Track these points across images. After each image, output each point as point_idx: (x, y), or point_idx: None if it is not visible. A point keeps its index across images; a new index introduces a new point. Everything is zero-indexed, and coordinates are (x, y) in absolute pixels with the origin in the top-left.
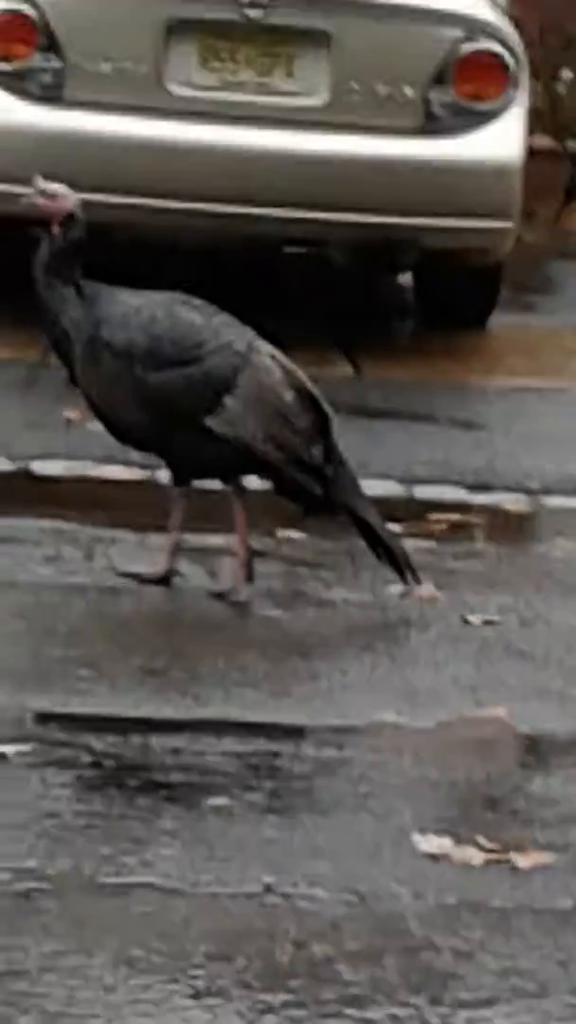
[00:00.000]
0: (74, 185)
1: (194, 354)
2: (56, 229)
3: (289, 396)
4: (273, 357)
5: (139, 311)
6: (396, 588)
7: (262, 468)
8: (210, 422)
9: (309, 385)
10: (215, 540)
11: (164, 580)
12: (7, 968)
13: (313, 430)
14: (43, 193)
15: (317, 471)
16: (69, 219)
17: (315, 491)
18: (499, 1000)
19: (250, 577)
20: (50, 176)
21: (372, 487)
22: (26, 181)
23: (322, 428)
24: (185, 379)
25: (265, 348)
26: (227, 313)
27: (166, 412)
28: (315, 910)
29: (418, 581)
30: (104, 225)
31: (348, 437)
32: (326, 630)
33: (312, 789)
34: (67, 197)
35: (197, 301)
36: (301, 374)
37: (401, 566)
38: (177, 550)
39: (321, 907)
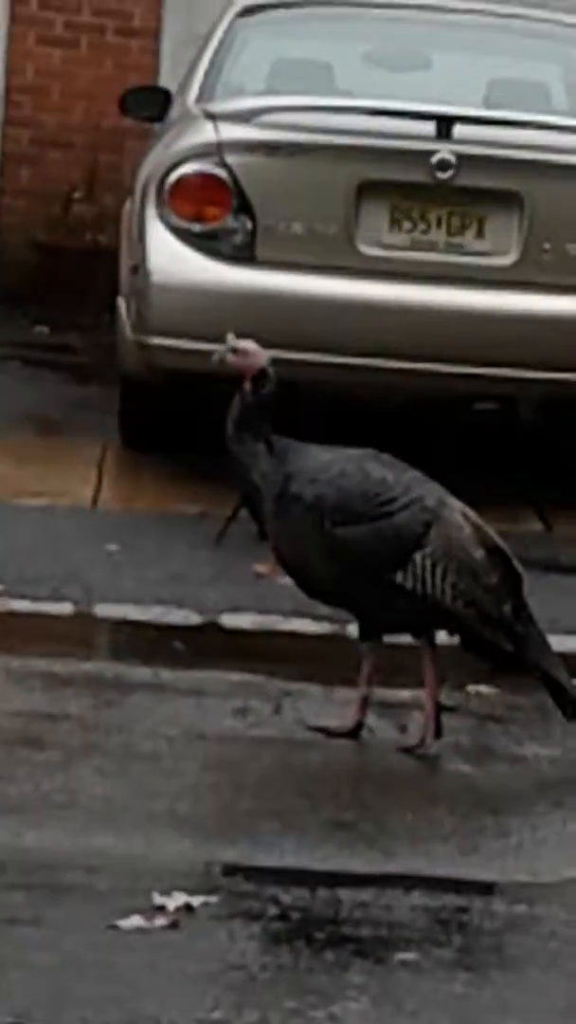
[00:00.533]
0: (266, 343)
1: (384, 510)
2: (247, 385)
3: (479, 553)
4: (464, 514)
5: (329, 466)
6: None
7: (452, 623)
8: (400, 578)
9: (499, 542)
10: (404, 694)
11: (353, 734)
12: None
13: (504, 587)
14: (235, 350)
15: (508, 628)
16: (261, 376)
17: (506, 648)
18: None
19: (439, 732)
20: (242, 334)
21: (564, 643)
22: (218, 339)
23: (513, 585)
24: (375, 534)
25: (456, 504)
26: (417, 470)
27: (355, 567)
28: None
29: None
30: (296, 383)
31: (539, 593)
32: (516, 785)
33: (502, 946)
34: (258, 354)
35: (387, 457)
36: (491, 531)
37: None
38: (366, 704)
39: None
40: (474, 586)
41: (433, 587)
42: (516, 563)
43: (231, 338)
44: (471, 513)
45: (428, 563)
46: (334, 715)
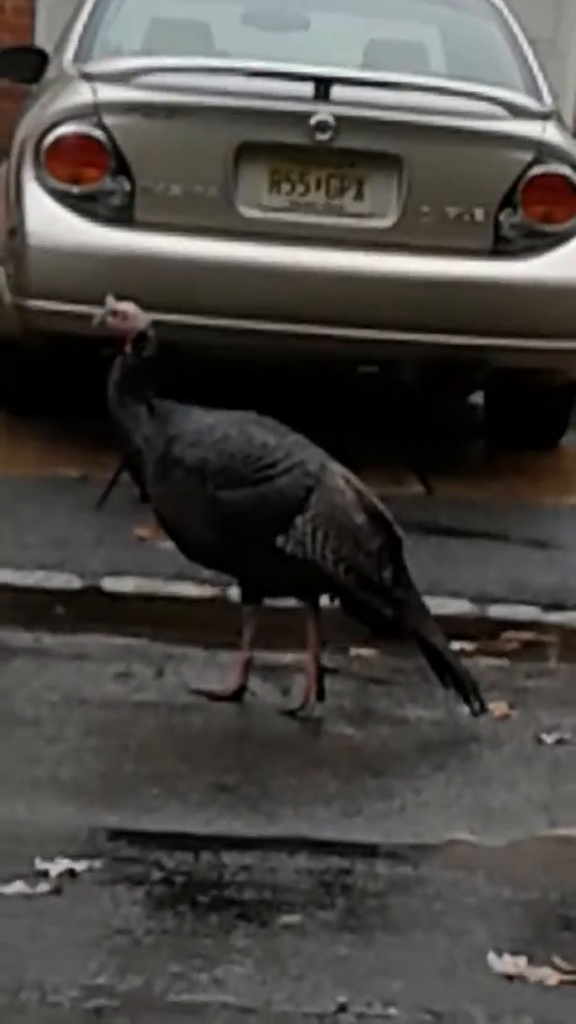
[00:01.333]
0: (145, 306)
1: (266, 474)
2: (128, 348)
3: (361, 518)
4: (346, 479)
5: (212, 429)
6: (472, 707)
7: (332, 588)
8: (281, 542)
9: (381, 507)
10: (287, 657)
11: (235, 697)
12: None
13: (384, 553)
14: (114, 313)
15: (387, 593)
16: (141, 338)
17: (385, 613)
18: None
19: (321, 695)
20: (122, 297)
21: (444, 605)
22: (97, 302)
23: (393, 551)
24: (257, 498)
25: (338, 469)
26: (299, 434)
27: (237, 531)
28: None
29: (484, 707)
30: (174, 345)
31: (420, 556)
32: (399, 748)
33: (386, 907)
34: (138, 316)
35: (270, 421)
36: (373, 496)
37: (467, 691)
38: (248, 667)
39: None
40: (355, 551)
41: (314, 552)
42: (397, 528)
43: (110, 300)
44: (353, 478)
45: (310, 528)
46: (217, 679)
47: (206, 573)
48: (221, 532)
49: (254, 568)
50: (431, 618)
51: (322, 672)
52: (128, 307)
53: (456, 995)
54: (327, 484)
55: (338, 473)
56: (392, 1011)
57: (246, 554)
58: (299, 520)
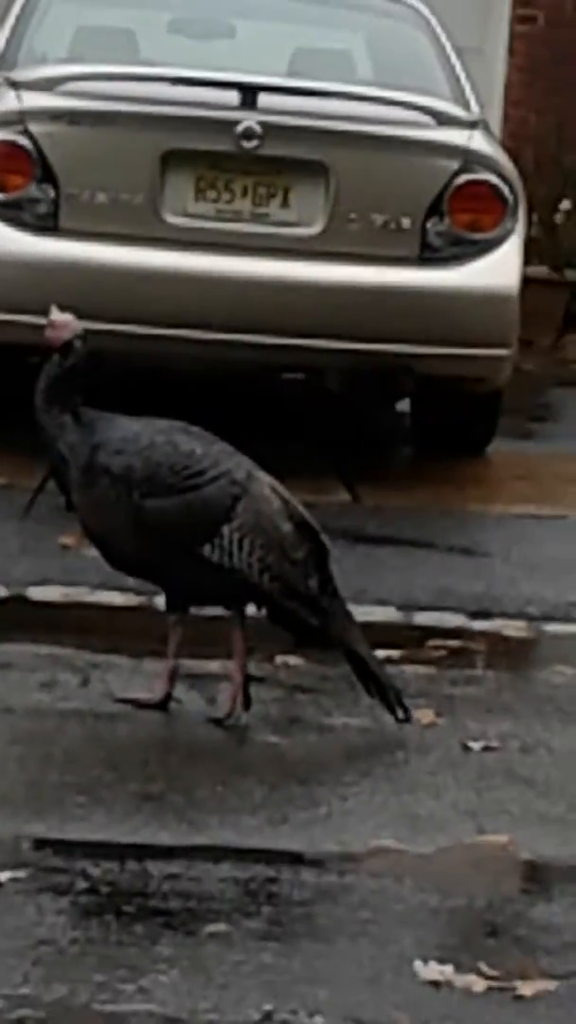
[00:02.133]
0: (84, 314)
1: (193, 482)
2: (55, 356)
3: (287, 527)
4: (272, 488)
5: (138, 437)
6: (397, 715)
7: (258, 597)
8: (207, 551)
9: (307, 516)
10: (213, 666)
11: (161, 705)
12: None
13: (310, 562)
14: (51, 324)
15: (313, 602)
16: (67, 347)
17: (311, 622)
18: None
19: (247, 703)
20: (47, 304)
21: (371, 613)
22: (22, 310)
23: (319, 560)
24: (184, 507)
25: (264, 478)
26: (225, 442)
27: (163, 539)
28: None
29: (408, 716)
30: (101, 352)
31: (346, 563)
32: (325, 755)
33: (311, 915)
34: (68, 326)
35: (196, 429)
36: (299, 505)
37: (391, 700)
38: (174, 675)
39: None
40: (280, 560)
41: (240, 561)
42: (323, 537)
43: (52, 310)
44: (279, 487)
45: (236, 536)
46: (143, 687)
47: (131, 582)
48: (147, 541)
49: (180, 577)
50: (357, 627)
51: (248, 680)
52: (61, 317)
53: (382, 1003)
54: (253, 493)
55: (265, 482)
56: (318, 1019)
57: (172, 563)
58: (225, 529)
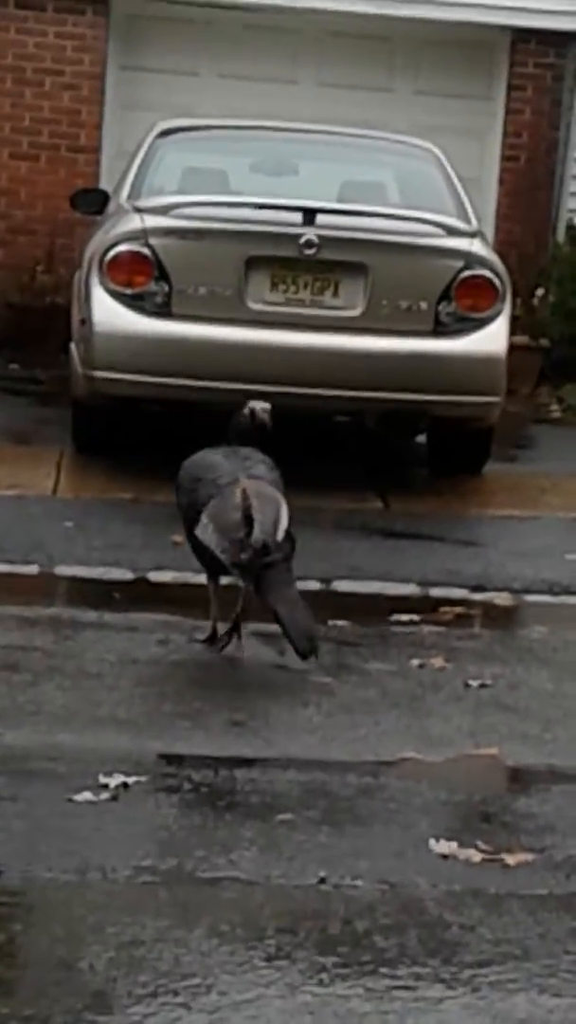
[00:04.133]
0: (181, 375)
1: (195, 485)
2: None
3: (235, 516)
4: (243, 491)
5: (194, 457)
6: (416, 661)
7: (221, 566)
8: (197, 531)
9: (252, 512)
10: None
11: (210, 640)
12: (131, 939)
13: (246, 541)
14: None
15: (244, 570)
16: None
17: (245, 583)
18: (493, 963)
19: (228, 639)
20: (163, 370)
21: (398, 588)
22: (143, 372)
23: (253, 540)
24: (188, 500)
25: (243, 484)
26: (263, 463)
27: (186, 524)
28: (356, 896)
29: (304, 657)
30: (206, 402)
31: (380, 553)
32: (363, 692)
33: (354, 807)
34: (264, 409)
35: (247, 451)
36: (254, 504)
37: (294, 645)
38: (216, 623)
39: (361, 893)
40: (223, 539)
41: (208, 539)
42: (257, 525)
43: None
44: (251, 488)
45: (205, 521)
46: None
47: None
48: (184, 527)
49: (196, 552)
50: (287, 591)
51: (237, 626)
52: (260, 405)
53: (406, 871)
54: (224, 493)
55: (240, 486)
56: (359, 883)
57: (191, 542)
58: (203, 516)
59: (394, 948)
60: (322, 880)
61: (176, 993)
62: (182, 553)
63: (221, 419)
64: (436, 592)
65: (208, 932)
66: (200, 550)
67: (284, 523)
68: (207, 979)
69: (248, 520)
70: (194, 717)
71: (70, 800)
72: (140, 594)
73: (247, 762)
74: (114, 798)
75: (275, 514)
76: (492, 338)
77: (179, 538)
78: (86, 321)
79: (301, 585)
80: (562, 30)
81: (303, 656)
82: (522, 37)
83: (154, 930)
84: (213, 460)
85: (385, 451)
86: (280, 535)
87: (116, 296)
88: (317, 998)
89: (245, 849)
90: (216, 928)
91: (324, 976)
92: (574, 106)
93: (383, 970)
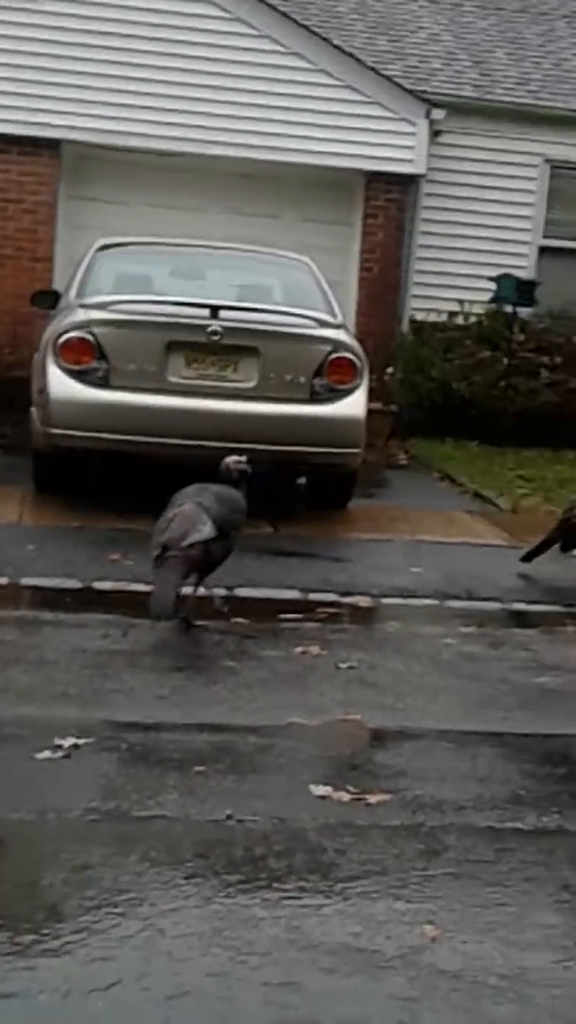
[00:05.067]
0: (117, 432)
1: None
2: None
3: (162, 526)
4: (174, 515)
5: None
6: (299, 649)
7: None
8: None
9: (168, 524)
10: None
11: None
12: (80, 864)
13: (161, 546)
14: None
15: (154, 562)
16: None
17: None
18: (359, 878)
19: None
20: (103, 427)
21: (284, 594)
22: (90, 430)
23: (163, 545)
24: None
25: (180, 510)
26: (216, 495)
27: None
28: (255, 828)
29: (154, 618)
30: (137, 453)
31: (270, 567)
32: (260, 673)
33: (254, 761)
34: (238, 461)
35: (216, 488)
36: (174, 520)
37: (150, 610)
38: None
39: (258, 827)
40: (153, 540)
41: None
42: (167, 533)
43: (233, 457)
44: (183, 512)
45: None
46: (164, 638)
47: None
48: None
49: None
50: (168, 575)
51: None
52: (235, 458)
53: (293, 808)
54: (166, 515)
55: (175, 511)
56: (257, 818)
57: None
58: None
59: (284, 868)
60: (228, 817)
61: (116, 905)
62: (119, 567)
63: (152, 465)
64: (314, 596)
65: (141, 858)
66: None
67: (193, 537)
68: (140, 894)
69: (162, 531)
70: (128, 692)
71: (32, 758)
72: (87, 599)
73: (171, 727)
74: (67, 756)
75: (185, 529)
76: (354, 404)
77: (116, 556)
78: (43, 390)
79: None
80: (403, 173)
81: (153, 617)
82: (374, 178)
83: (98, 857)
84: (183, 491)
85: (275, 490)
86: (185, 543)
87: (67, 371)
88: (225, 907)
89: (169, 794)
90: (147, 855)
91: (231, 890)
92: (414, 230)
93: (275, 885)
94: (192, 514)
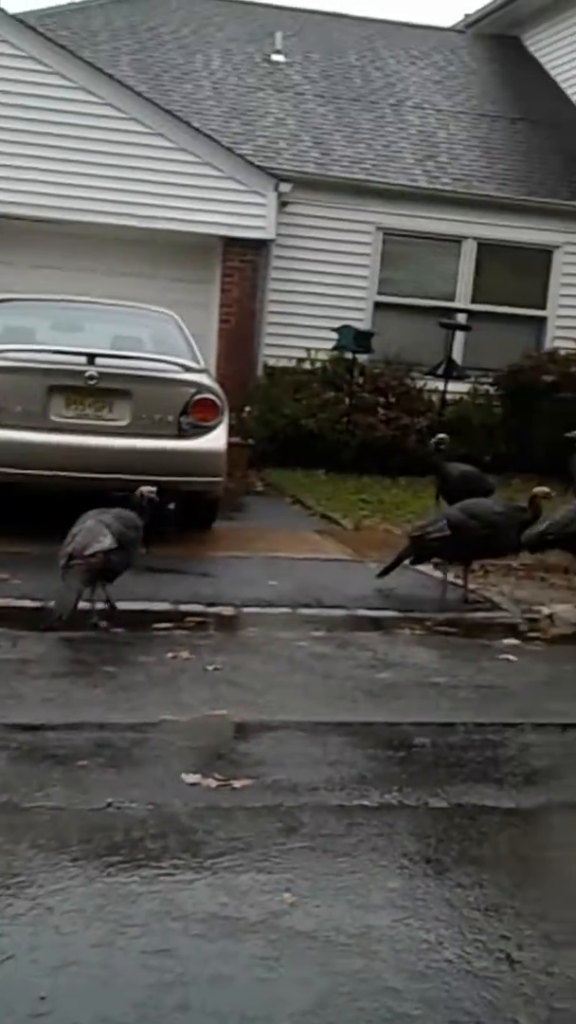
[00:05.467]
0: (7, 465)
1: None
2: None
3: (68, 539)
4: (77, 531)
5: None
6: (170, 654)
7: None
8: None
9: (72, 539)
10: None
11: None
12: None
13: (67, 556)
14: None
15: (62, 568)
16: (143, 496)
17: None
18: (226, 854)
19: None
20: None
21: (157, 606)
22: None
23: (68, 556)
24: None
25: (83, 526)
26: (117, 516)
27: None
28: (132, 814)
29: (56, 618)
30: (23, 483)
31: (146, 583)
32: (136, 677)
33: (130, 754)
34: (149, 491)
35: (115, 510)
36: (78, 534)
37: (53, 612)
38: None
39: (135, 812)
40: (61, 551)
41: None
42: (70, 547)
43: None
44: (86, 527)
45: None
46: (48, 648)
47: (39, 593)
48: None
49: None
50: (71, 582)
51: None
52: (148, 488)
53: (166, 795)
54: (72, 531)
55: (78, 528)
56: (134, 805)
57: None
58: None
59: (159, 848)
60: (109, 804)
61: (8, 888)
62: (7, 586)
63: (40, 496)
64: (183, 607)
65: (30, 844)
66: None
67: (95, 547)
68: (30, 876)
69: (68, 543)
70: (17, 697)
71: None
72: None
73: (56, 727)
74: None
75: (88, 541)
76: (216, 439)
77: (5, 576)
78: None
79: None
80: (255, 238)
81: (56, 618)
82: (231, 243)
83: None
84: (87, 512)
85: (148, 513)
86: (87, 552)
87: None
88: (106, 885)
89: (54, 786)
90: (36, 841)
91: (112, 870)
92: (266, 288)
93: (151, 863)
94: (94, 528)
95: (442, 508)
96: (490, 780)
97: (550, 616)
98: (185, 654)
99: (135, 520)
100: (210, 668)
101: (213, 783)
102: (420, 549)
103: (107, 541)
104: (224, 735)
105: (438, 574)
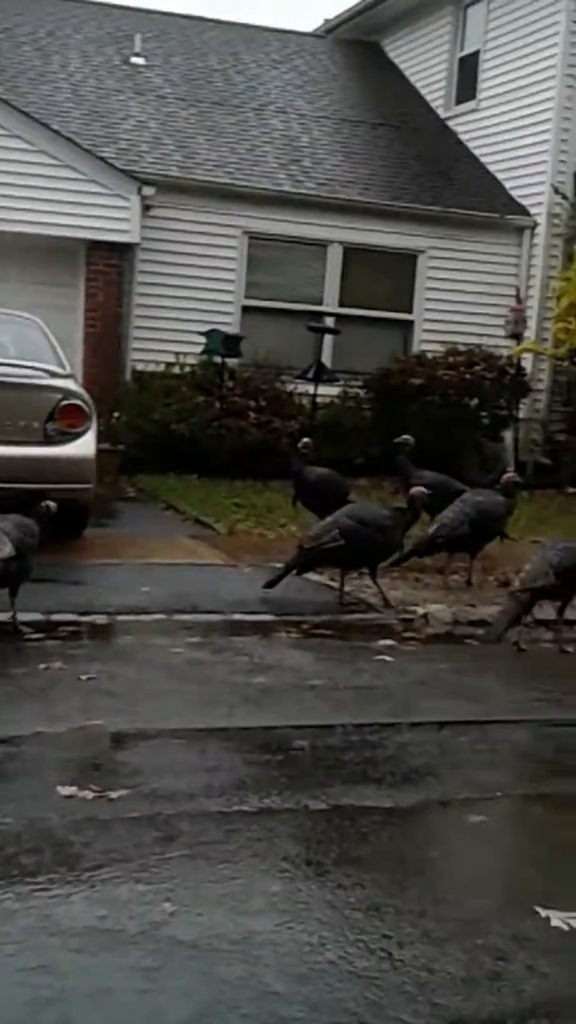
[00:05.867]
0: None
1: None
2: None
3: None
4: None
5: None
6: (43, 665)
7: None
8: None
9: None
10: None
11: None
12: None
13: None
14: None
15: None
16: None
17: None
18: (104, 866)
19: None
20: None
21: (29, 616)
22: None
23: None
24: None
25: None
26: (16, 523)
27: None
28: (6, 830)
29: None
30: None
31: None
32: (7, 688)
33: (3, 767)
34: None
35: (13, 516)
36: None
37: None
38: None
39: (9, 828)
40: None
41: None
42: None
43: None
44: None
45: None
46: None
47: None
48: None
49: None
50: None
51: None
52: (52, 503)
53: (41, 808)
54: None
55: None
56: (8, 820)
57: None
58: None
59: (34, 863)
60: (8, 814)
61: None
62: None
63: None
64: (55, 617)
65: None
66: None
67: None
68: None
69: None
70: None
71: None
72: None
73: None
74: None
75: None
76: (85, 445)
77: None
78: None
79: None
80: (119, 241)
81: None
82: (94, 246)
83: None
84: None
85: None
86: None
87: None
88: None
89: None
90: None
91: None
92: (132, 292)
93: (27, 879)
94: None
95: (299, 512)
96: (369, 780)
97: (425, 616)
98: (58, 664)
99: (33, 527)
100: (84, 678)
101: (89, 795)
102: (314, 559)
103: (7, 549)
104: (100, 745)
105: (315, 577)
